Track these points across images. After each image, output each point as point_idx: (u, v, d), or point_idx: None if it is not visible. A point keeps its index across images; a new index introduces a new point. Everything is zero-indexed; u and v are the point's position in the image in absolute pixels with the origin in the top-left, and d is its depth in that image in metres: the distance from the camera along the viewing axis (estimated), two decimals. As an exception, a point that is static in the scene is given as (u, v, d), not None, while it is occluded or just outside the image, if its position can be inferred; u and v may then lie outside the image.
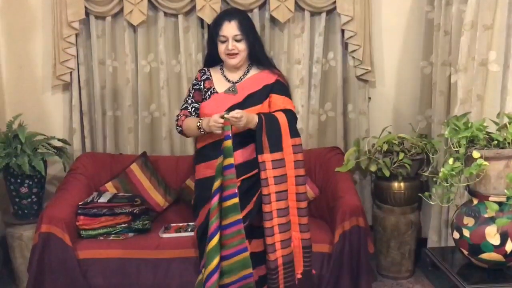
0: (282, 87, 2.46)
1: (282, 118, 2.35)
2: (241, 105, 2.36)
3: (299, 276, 2.39)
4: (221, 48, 2.40)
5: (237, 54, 2.39)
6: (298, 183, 2.37)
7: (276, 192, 2.30)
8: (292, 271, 2.37)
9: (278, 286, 2.34)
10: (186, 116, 2.45)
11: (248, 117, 2.27)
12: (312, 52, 3.27)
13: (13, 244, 2.96)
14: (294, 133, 2.38)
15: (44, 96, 3.35)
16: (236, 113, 2.22)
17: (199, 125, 2.34)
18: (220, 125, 2.23)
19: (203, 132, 2.34)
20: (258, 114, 2.33)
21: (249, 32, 2.40)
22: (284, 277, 2.35)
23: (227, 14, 2.46)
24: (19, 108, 3.18)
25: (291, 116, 2.40)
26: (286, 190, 2.33)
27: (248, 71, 2.47)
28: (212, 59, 2.51)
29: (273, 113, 2.37)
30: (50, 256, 2.58)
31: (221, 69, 2.51)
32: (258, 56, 2.45)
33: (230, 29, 2.36)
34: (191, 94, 2.49)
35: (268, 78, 2.45)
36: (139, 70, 3.28)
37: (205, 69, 2.53)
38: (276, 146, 2.32)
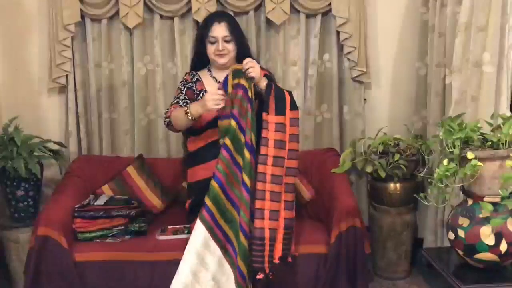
0: (271, 78, 2.55)
1: (285, 89, 2.42)
2: None
3: (276, 260, 2.32)
4: (211, 49, 2.45)
5: (226, 54, 2.43)
6: (291, 156, 2.35)
7: (273, 156, 2.27)
8: (273, 250, 2.32)
9: (263, 264, 2.27)
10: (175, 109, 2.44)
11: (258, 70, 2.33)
12: (308, 54, 3.28)
13: (9, 247, 2.95)
14: (294, 105, 2.40)
15: (40, 99, 3.35)
16: (249, 61, 2.30)
17: (187, 109, 2.32)
18: (221, 97, 2.22)
19: (191, 118, 2.31)
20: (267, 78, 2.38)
21: (237, 33, 2.47)
22: (269, 254, 2.29)
23: (217, 16, 2.53)
24: (14, 111, 3.18)
25: (289, 91, 2.46)
26: (284, 157, 2.31)
27: None
28: (199, 61, 2.53)
29: None
30: (46, 259, 2.57)
31: (209, 71, 2.54)
32: (245, 56, 2.50)
33: (220, 30, 2.42)
34: (183, 92, 2.50)
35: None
36: (135, 73, 3.28)
37: (193, 72, 2.56)
38: (281, 110, 2.33)
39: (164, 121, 2.49)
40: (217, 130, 2.38)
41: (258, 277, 2.28)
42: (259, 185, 2.26)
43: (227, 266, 2.27)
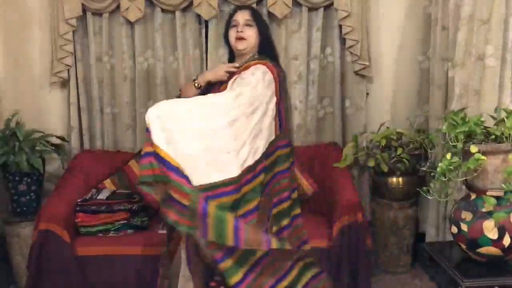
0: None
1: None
2: None
3: None
4: (232, 33, 2.35)
5: (244, 39, 2.31)
6: None
7: None
8: None
9: None
10: None
11: None
12: (310, 48, 3.26)
13: (12, 241, 2.96)
14: None
15: (42, 93, 3.34)
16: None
17: (195, 78, 2.37)
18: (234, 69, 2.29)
19: (197, 86, 2.35)
20: None
21: (261, 22, 2.36)
22: None
23: (239, 6, 2.57)
24: (16, 106, 3.18)
25: None
26: None
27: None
28: (230, 55, 2.47)
29: None
30: (49, 254, 2.58)
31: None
32: (270, 48, 2.39)
33: (242, 15, 2.34)
34: None
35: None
36: (137, 67, 3.27)
37: None
38: None
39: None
40: None
41: None
42: None
43: None
